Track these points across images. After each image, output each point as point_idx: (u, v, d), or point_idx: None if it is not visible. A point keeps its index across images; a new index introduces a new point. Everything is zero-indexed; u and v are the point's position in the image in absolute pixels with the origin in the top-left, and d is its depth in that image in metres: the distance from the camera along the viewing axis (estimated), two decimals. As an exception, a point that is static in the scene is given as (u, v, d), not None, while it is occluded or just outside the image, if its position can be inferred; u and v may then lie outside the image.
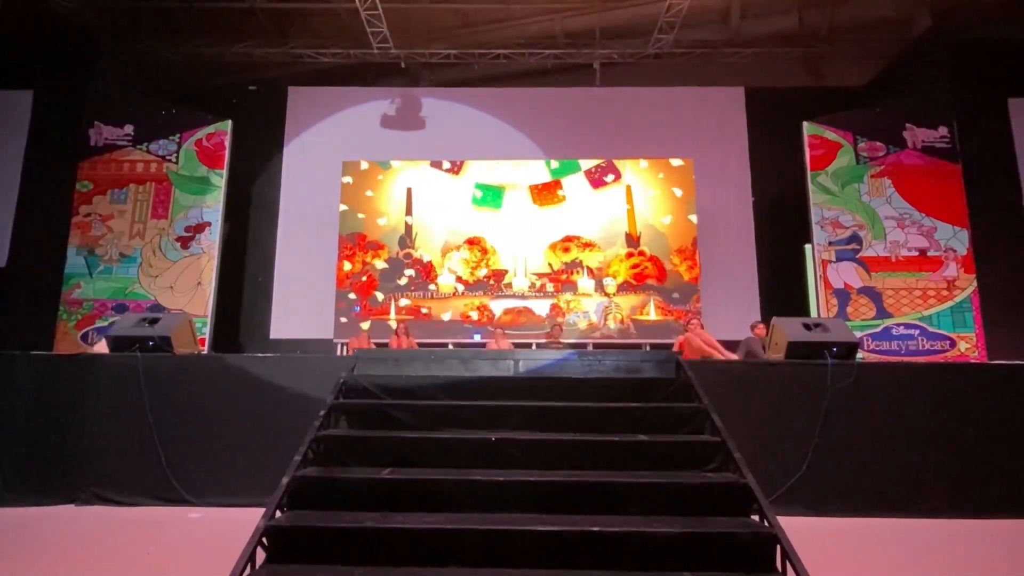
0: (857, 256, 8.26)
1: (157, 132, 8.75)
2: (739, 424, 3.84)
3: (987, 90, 8.48)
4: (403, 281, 9.17)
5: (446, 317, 9.02)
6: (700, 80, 10.24)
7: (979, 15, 8.89)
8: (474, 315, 8.98)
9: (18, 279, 8.12)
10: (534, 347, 8.52)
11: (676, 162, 9.50)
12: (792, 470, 4.22)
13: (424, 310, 9.06)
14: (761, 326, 6.98)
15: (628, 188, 9.44)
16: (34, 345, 7.15)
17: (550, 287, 9.15)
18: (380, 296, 9.12)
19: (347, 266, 9.15)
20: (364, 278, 9.15)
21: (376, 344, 8.10)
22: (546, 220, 9.38)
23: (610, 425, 3.76)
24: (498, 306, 9.09)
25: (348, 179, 9.51)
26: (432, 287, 9.15)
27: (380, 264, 9.21)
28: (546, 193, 9.49)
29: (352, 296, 9.08)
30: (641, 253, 9.21)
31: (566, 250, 9.28)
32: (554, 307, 9.08)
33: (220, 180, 8.64)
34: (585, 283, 9.16)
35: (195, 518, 4.09)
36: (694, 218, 9.29)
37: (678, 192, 9.40)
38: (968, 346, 7.85)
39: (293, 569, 2.72)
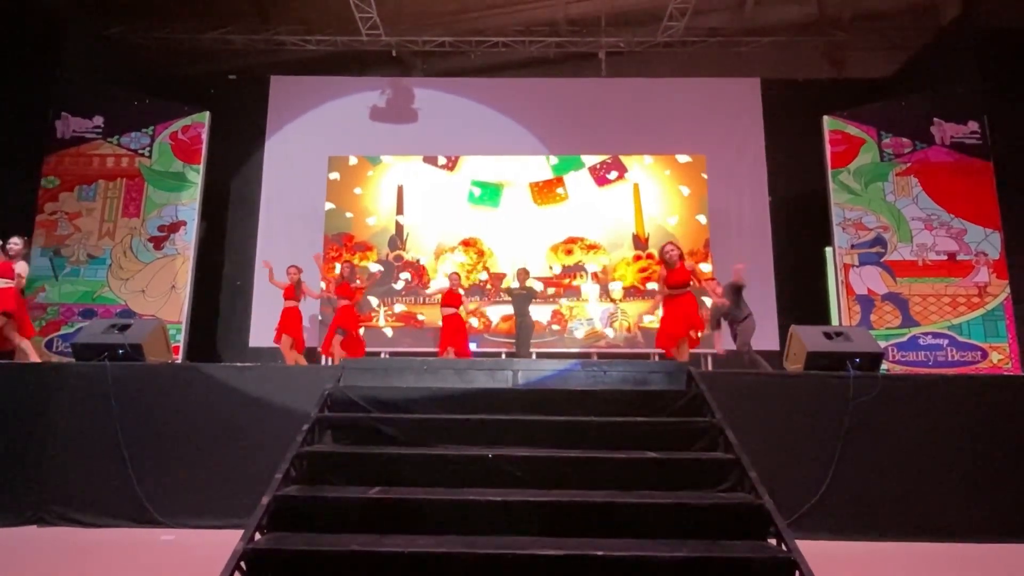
0: (881, 260, 8.28)
1: (129, 124, 8.76)
2: (755, 440, 3.85)
3: (1020, 82, 8.51)
4: (398, 285, 9.20)
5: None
6: (713, 71, 10.28)
7: (1012, 1, 8.94)
8: (474, 322, 8.97)
9: (-22, 282, 8.11)
10: (534, 356, 8.52)
11: (687, 158, 9.53)
12: (812, 490, 4.23)
13: (421, 316, 9.08)
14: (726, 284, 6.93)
15: (635, 186, 9.47)
16: (-6, 353, 7.14)
17: (551, 292, 9.17)
18: (374, 301, 9.14)
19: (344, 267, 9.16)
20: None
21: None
22: (547, 220, 9.41)
23: (616, 441, 3.77)
24: (495, 312, 9.10)
25: (335, 175, 9.54)
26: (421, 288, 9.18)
27: (371, 266, 9.24)
28: (547, 191, 9.52)
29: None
30: (649, 256, 9.24)
31: (568, 252, 9.31)
32: (555, 313, 9.09)
33: (196, 176, 8.65)
34: (589, 288, 9.18)
35: (167, 540, 4.08)
36: (706, 218, 9.32)
37: (689, 191, 9.43)
38: (1001, 357, 7.86)
39: (273, 596, 2.72)
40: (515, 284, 8.62)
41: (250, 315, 9.56)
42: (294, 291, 7.68)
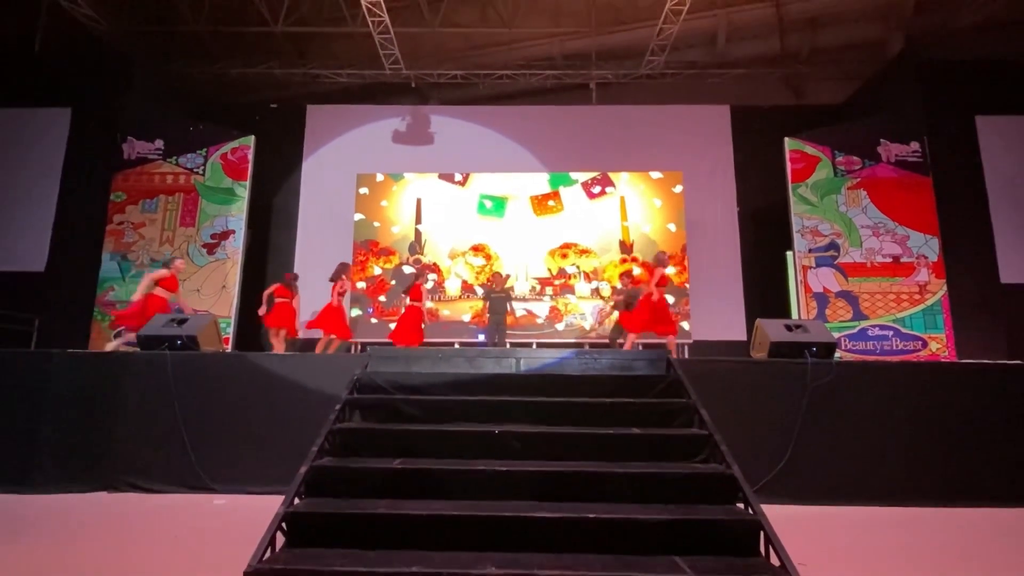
0: (835, 262, 8.25)
1: (185, 146, 8.78)
2: (725, 418, 3.84)
3: (956, 108, 8.48)
4: (428, 285, 9.12)
5: (465, 318, 9.04)
6: (689, 99, 10.25)
7: (949, 38, 8.92)
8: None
9: (56, 283, 8.15)
10: (534, 346, 8.52)
11: (666, 175, 9.50)
12: (775, 461, 4.22)
13: (446, 311, 9.08)
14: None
15: (622, 199, 9.45)
16: (71, 344, 7.17)
17: (549, 291, 9.16)
18: (417, 299, 9.10)
19: (375, 269, 9.17)
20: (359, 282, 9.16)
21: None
22: (545, 228, 9.39)
23: (605, 419, 3.76)
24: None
25: (364, 190, 9.54)
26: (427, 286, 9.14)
27: (405, 268, 9.23)
28: (545, 203, 9.51)
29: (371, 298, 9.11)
30: (634, 259, 9.22)
31: (564, 256, 9.29)
32: (553, 309, 9.08)
33: (244, 191, 8.67)
34: (582, 287, 9.17)
35: (220, 504, 4.09)
36: (683, 227, 9.29)
37: (661, 203, 9.40)
38: (939, 346, 7.83)
39: (310, 552, 2.72)
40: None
41: (290, 310, 9.56)
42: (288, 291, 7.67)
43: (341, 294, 7.63)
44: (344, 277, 7.67)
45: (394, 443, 3.54)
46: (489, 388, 4.13)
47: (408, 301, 7.75)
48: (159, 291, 6.41)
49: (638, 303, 6.53)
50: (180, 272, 6.79)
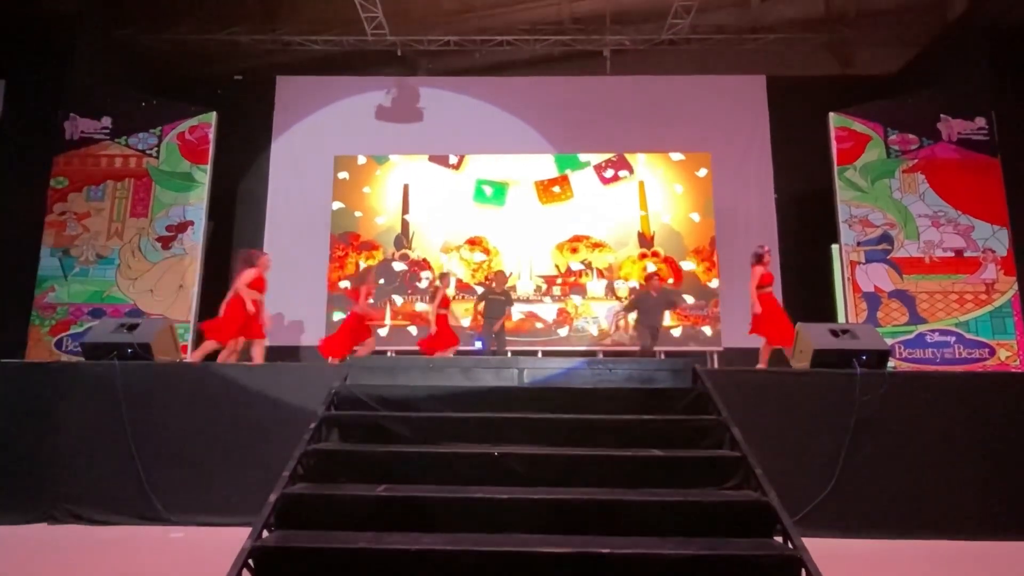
0: (888, 257, 8.23)
1: (137, 125, 8.78)
2: (761, 438, 3.83)
3: (1028, 78, 8.46)
4: (422, 284, 9.19)
5: (465, 323, 9.02)
6: (718, 68, 10.24)
7: (1019, -3, 8.87)
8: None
9: (-12, 282, 8.17)
10: (540, 355, 8.51)
11: (692, 156, 9.49)
12: (818, 488, 4.21)
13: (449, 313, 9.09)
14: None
15: (641, 184, 9.45)
16: (5, 352, 7.17)
17: (557, 291, 9.15)
18: (399, 300, 9.15)
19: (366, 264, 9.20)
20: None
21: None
22: (553, 218, 9.39)
23: (621, 439, 3.76)
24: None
25: (344, 174, 9.54)
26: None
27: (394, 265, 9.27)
28: (553, 189, 9.50)
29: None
30: (655, 254, 9.21)
31: (574, 251, 9.29)
32: (561, 312, 9.08)
33: (204, 176, 8.67)
34: (595, 286, 9.16)
35: (176, 538, 4.09)
36: (711, 216, 9.28)
37: (694, 189, 9.39)
38: (1009, 354, 7.81)
39: (281, 593, 2.73)
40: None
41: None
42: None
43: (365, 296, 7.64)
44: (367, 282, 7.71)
45: (378, 467, 3.54)
46: (487, 403, 4.13)
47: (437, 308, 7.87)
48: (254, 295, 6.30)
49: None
50: (268, 268, 6.55)
